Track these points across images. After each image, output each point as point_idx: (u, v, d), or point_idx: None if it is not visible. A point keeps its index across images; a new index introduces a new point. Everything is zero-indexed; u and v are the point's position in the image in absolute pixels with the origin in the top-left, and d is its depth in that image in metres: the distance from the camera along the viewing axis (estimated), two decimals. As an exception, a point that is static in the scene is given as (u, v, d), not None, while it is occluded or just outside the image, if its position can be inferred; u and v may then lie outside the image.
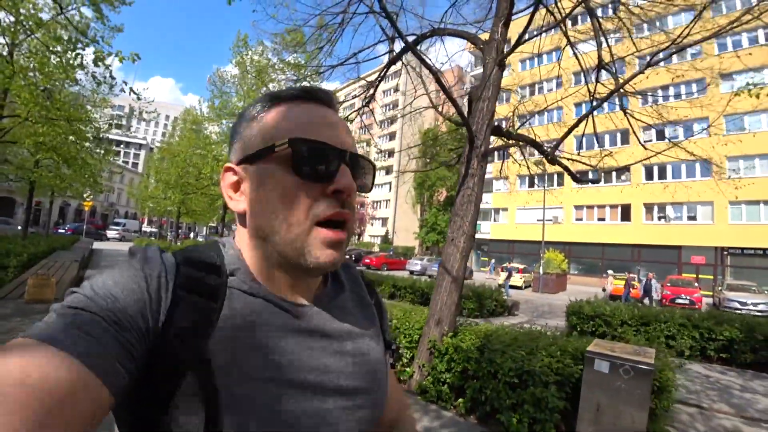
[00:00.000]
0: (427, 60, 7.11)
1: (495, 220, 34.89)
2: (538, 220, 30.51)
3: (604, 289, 19.85)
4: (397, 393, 0.81)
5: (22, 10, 4.93)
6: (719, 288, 19.98)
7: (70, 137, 9.18)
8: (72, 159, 10.34)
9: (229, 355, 0.50)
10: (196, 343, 0.48)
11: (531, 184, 29.49)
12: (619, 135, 26.47)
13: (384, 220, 50.63)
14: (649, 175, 28.10)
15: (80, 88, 9.20)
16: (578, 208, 30.57)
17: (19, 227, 22.64)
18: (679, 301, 17.80)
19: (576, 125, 5.20)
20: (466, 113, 4.70)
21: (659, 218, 27.62)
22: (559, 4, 5.57)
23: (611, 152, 6.31)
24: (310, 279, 0.61)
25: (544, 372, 3.03)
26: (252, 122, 0.59)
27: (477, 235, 30.36)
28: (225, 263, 0.57)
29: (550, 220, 30.74)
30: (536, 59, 5.91)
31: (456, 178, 39.01)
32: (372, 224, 51.86)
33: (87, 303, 0.44)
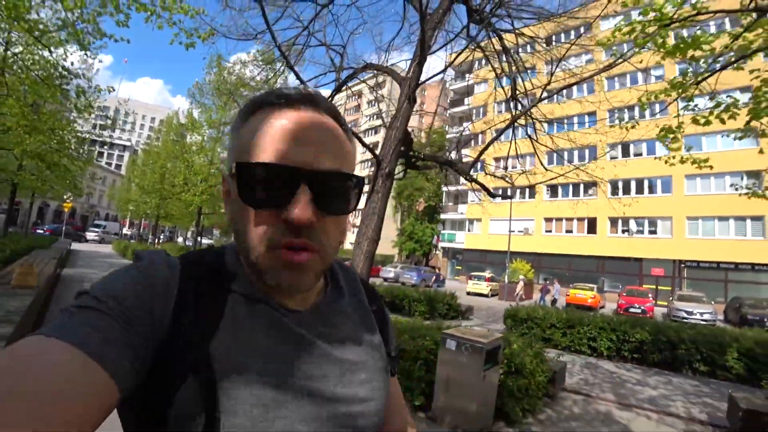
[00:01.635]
0: (370, 91, 8.04)
1: (469, 230, 36.07)
2: (510, 231, 31.79)
3: (517, 294, 20.61)
4: (400, 405, 0.79)
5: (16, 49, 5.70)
6: (671, 298, 21.36)
7: (54, 145, 9.93)
8: (55, 165, 11.08)
9: (230, 357, 0.50)
10: (198, 345, 0.49)
11: (504, 197, 30.75)
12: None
13: (365, 228, 51.45)
14: (614, 191, 29.58)
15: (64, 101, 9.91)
16: (548, 220, 31.86)
17: None
18: (632, 310, 18.92)
19: (485, 148, 6.22)
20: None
21: (623, 231, 29.07)
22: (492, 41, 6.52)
23: (525, 171, 7.21)
24: None
25: (411, 351, 3.91)
26: (233, 133, 0.58)
27: (451, 245, 31.59)
28: (227, 268, 0.58)
29: (522, 232, 32.02)
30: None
31: (434, 188, 40.05)
32: (353, 232, 52.59)
33: (96, 303, 0.45)
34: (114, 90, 6.14)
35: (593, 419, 4.86)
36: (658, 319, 13.66)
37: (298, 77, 4.03)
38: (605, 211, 28.85)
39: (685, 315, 17.67)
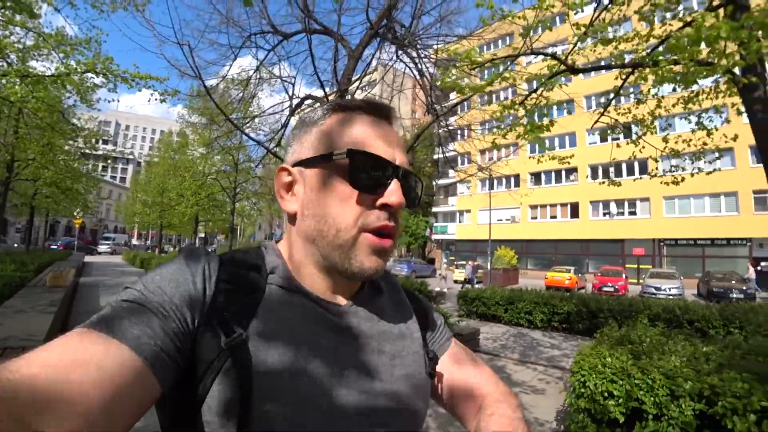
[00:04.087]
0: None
1: (460, 221, 37.74)
2: (498, 220, 33.13)
3: (444, 277, 21.74)
4: (485, 375, 0.79)
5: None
6: (644, 276, 22.67)
7: (67, 175, 11.99)
8: (68, 190, 13.23)
9: (266, 345, 0.52)
10: (235, 332, 0.51)
11: (491, 187, 32.18)
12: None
13: (365, 224, 53.01)
14: (594, 175, 30.82)
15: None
16: (533, 207, 33.14)
17: (15, 245, 25.19)
18: (605, 288, 20.05)
19: (411, 148, 7.68)
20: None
21: (604, 214, 30.32)
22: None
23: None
24: (351, 282, 0.63)
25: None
26: (312, 127, 0.62)
27: (444, 236, 33.32)
28: (266, 263, 0.61)
29: (509, 220, 33.40)
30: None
31: (427, 182, 41.43)
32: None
33: (138, 296, 0.48)
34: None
35: (485, 368, 6.37)
36: (632, 295, 14.75)
37: (243, 132, 5.53)
38: (587, 195, 30.26)
39: (654, 291, 18.79)
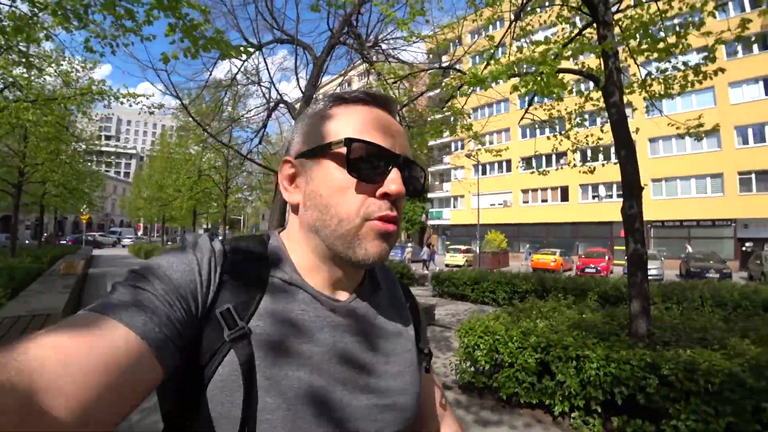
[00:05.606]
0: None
1: (454, 207, 38.73)
2: (490, 205, 34.05)
3: (407, 259, 23.32)
4: (437, 405, 0.81)
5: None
6: (626, 257, 23.51)
7: (73, 176, 13.46)
8: (75, 190, 14.89)
9: (267, 339, 0.53)
10: (238, 325, 0.52)
11: (483, 172, 32.98)
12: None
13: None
14: (584, 157, 31.38)
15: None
16: (525, 191, 33.96)
17: (27, 241, 26.83)
18: (587, 270, 20.98)
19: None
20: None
21: (593, 197, 30.98)
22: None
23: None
24: (352, 274, 0.64)
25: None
26: (313, 119, 0.63)
27: (440, 222, 34.39)
28: (269, 254, 0.62)
29: (501, 204, 34.28)
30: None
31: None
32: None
33: (144, 282, 0.49)
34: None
35: (430, 339, 7.42)
36: (617, 276, 15.34)
37: (218, 141, 6.49)
38: (576, 179, 30.91)
39: (634, 271, 19.76)
